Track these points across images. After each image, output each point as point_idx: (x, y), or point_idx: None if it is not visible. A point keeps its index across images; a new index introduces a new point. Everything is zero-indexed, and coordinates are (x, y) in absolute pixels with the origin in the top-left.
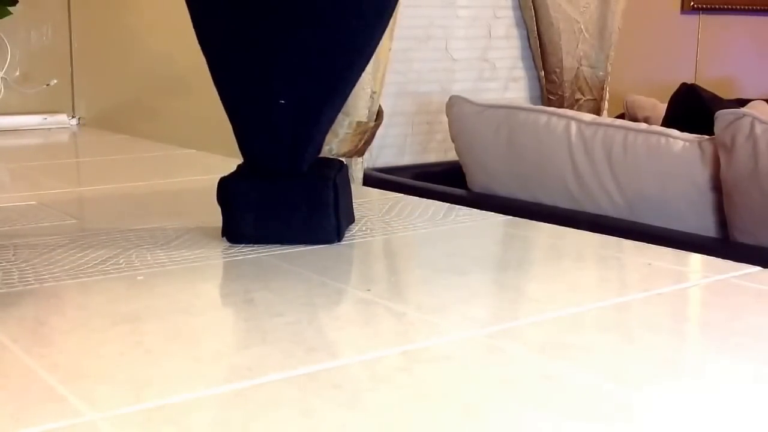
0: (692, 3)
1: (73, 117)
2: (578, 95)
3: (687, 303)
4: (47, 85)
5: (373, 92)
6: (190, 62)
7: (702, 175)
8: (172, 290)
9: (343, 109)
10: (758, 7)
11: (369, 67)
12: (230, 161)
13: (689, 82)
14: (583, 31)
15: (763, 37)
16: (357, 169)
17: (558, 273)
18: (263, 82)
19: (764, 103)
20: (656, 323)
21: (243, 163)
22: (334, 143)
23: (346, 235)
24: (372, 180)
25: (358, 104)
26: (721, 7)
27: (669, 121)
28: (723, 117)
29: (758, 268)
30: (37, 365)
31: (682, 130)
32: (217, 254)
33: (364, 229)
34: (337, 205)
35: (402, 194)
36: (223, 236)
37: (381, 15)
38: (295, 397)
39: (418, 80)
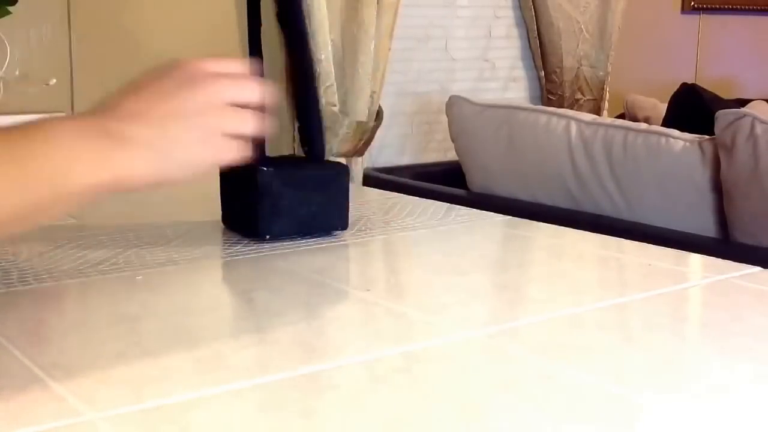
0: (692, 3)
1: None
2: (578, 95)
3: (687, 303)
4: (47, 84)
5: (373, 92)
6: None
7: (702, 176)
8: (171, 290)
9: (343, 109)
10: (758, 7)
11: (368, 67)
12: None
13: (689, 82)
14: (583, 31)
15: (763, 37)
16: (357, 169)
17: (558, 273)
18: None
19: (764, 103)
20: (656, 323)
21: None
22: (334, 143)
23: (345, 234)
24: (372, 180)
25: (358, 104)
26: (721, 7)
27: (669, 121)
28: (723, 117)
29: (758, 269)
30: (36, 365)
31: (682, 130)
32: (217, 254)
33: (364, 229)
34: (348, 197)
35: (402, 194)
36: (259, 236)
37: None
38: (294, 397)
39: (418, 80)
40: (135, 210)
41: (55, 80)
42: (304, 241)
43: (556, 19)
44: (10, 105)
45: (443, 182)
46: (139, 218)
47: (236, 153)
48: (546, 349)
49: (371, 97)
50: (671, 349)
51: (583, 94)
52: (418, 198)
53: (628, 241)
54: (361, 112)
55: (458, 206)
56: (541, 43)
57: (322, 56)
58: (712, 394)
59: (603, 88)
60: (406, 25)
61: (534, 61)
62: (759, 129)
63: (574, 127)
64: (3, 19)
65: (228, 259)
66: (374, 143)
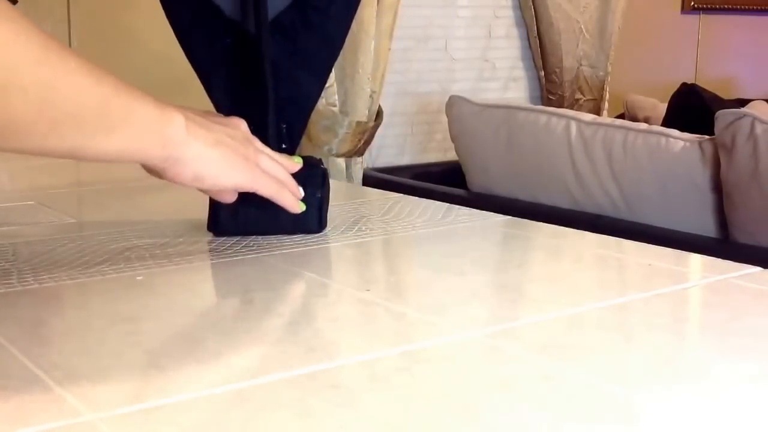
0: (692, 3)
1: None
2: (578, 95)
3: (687, 303)
4: None
5: (373, 92)
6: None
7: (702, 176)
8: (171, 290)
9: (343, 109)
10: (758, 7)
11: (368, 67)
12: None
13: (689, 82)
14: (583, 31)
15: (763, 37)
16: (357, 169)
17: (558, 273)
18: (255, 88)
19: (764, 103)
20: (656, 323)
21: None
22: (334, 143)
23: (346, 235)
24: (372, 180)
25: (358, 104)
26: (721, 7)
27: (669, 121)
28: (723, 117)
29: (758, 269)
30: (36, 365)
31: (682, 130)
32: (217, 254)
33: (364, 229)
34: (323, 194)
35: (402, 194)
36: (208, 230)
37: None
38: (294, 397)
39: (418, 80)
40: (135, 210)
41: None
42: (304, 241)
43: (556, 19)
44: None
45: (443, 182)
46: (139, 218)
47: (268, 186)
48: (546, 349)
49: (371, 97)
50: (671, 349)
51: (583, 94)
52: (418, 198)
53: (628, 241)
54: (361, 112)
55: (458, 206)
56: (541, 43)
57: None
58: (712, 394)
59: (603, 88)
60: (406, 25)
61: (534, 61)
62: (759, 129)
63: (574, 127)
64: None
65: (228, 258)
66: (374, 143)
